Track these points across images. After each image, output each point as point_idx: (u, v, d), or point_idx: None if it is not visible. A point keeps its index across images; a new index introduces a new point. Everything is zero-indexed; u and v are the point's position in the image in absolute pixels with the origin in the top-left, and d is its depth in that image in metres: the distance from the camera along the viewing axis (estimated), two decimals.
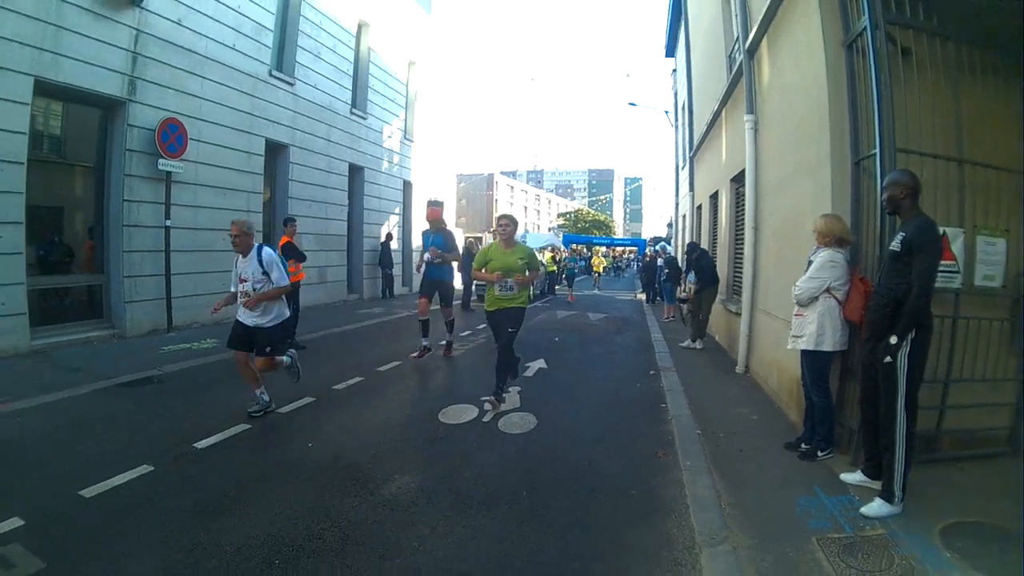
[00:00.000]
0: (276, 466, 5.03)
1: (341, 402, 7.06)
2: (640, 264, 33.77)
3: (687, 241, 15.52)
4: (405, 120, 22.11)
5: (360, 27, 18.48)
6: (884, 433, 4.11)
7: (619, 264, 43.38)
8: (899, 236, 4.05)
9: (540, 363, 9.57)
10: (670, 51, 25.20)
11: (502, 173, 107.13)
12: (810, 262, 5.22)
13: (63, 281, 10.38)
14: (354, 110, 18.26)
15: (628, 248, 64.21)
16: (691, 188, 18.17)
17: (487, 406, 6.65)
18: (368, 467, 5.02)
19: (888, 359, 3.97)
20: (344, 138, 17.73)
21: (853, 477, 4.61)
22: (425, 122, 23.61)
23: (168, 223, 11.16)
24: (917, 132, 4.89)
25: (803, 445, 5.41)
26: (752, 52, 8.52)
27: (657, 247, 25.82)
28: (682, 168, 21.50)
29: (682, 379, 8.43)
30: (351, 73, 18.04)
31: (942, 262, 4.72)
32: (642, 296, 24.30)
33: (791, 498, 4.38)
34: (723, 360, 9.81)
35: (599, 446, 5.80)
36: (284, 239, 10.13)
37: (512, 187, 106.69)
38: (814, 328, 5.09)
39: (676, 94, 24.78)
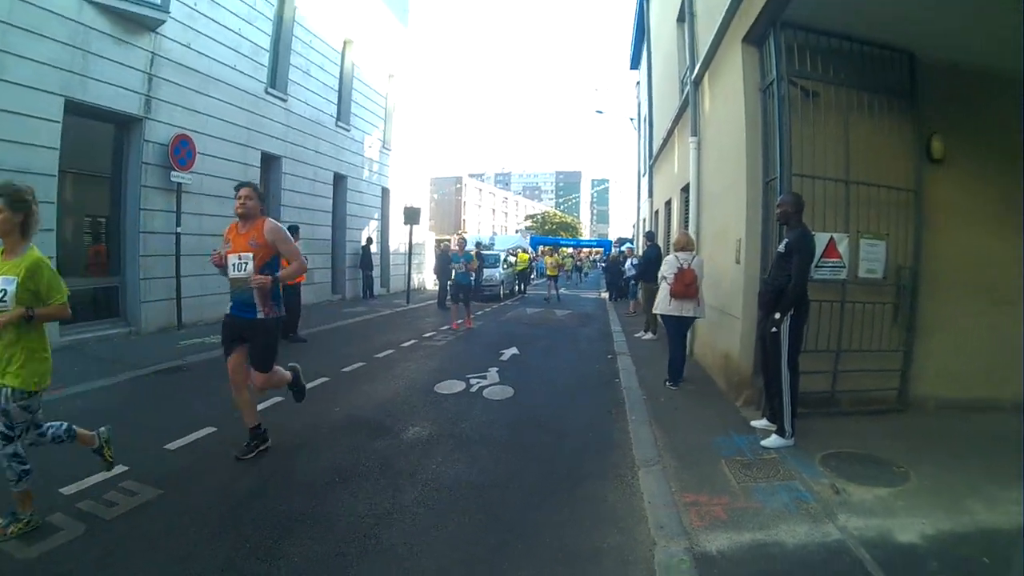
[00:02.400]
0: (316, 423, 6.43)
1: (352, 380, 8.49)
2: (604, 264, 34.84)
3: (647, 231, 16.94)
4: (384, 130, 23.44)
5: (345, 44, 19.75)
6: (772, 383, 5.61)
7: (578, 265, 41.44)
8: (784, 241, 5.54)
9: (513, 350, 11.14)
10: (635, 63, 26.62)
11: (470, 175, 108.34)
12: None
13: (87, 283, 11.24)
14: (339, 122, 19.51)
15: (594, 249, 65.44)
16: (650, 194, 19.61)
17: None
18: (387, 422, 6.51)
19: (774, 330, 5.44)
20: (330, 149, 18.96)
21: (759, 423, 6.08)
22: (401, 131, 24.98)
23: (179, 230, 12.27)
24: (812, 159, 6.39)
25: (669, 383, 8.12)
26: (697, 83, 9.98)
27: (623, 248, 27.41)
28: (643, 175, 22.91)
29: (635, 361, 9.94)
30: (336, 88, 19.30)
31: (830, 260, 6.33)
32: (605, 295, 25.83)
33: (710, 438, 5.85)
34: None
35: (564, 408, 7.34)
36: None
37: (480, 189, 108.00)
38: (659, 299, 8.24)
39: (639, 104, 26.23)
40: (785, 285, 5.38)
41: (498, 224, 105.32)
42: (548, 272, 25.69)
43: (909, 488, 4.58)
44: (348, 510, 4.33)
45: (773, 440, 5.54)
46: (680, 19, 11.90)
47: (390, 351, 10.41)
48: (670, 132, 13.85)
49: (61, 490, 4.46)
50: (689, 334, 10.09)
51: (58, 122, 9.73)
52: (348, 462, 5.30)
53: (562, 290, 26.84)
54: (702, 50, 9.35)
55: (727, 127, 8.03)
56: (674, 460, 5.28)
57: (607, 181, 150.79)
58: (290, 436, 5.96)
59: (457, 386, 8.20)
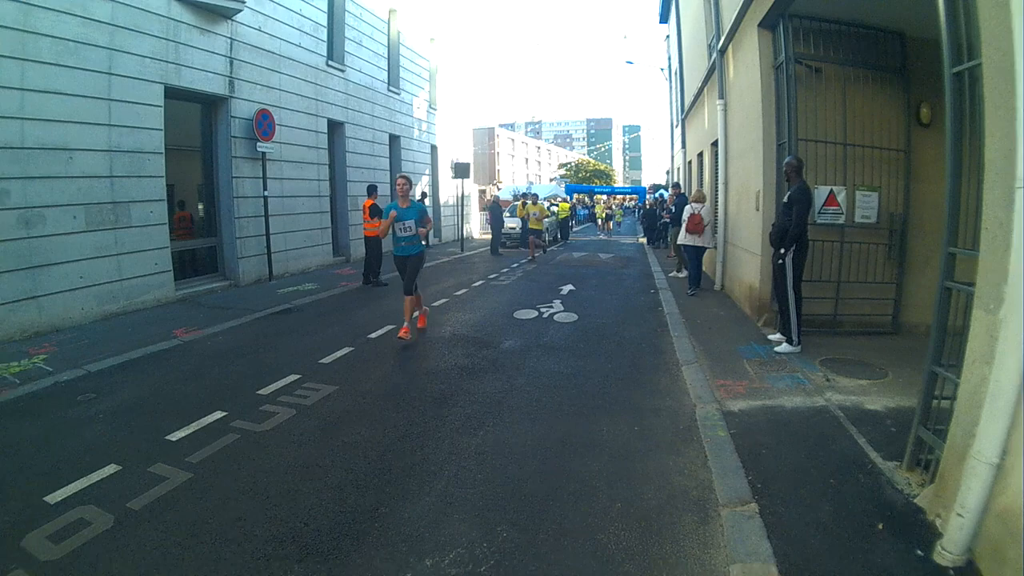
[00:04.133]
0: (432, 340, 8.38)
1: (444, 311, 10.44)
2: (642, 210, 35.90)
3: (673, 182, 18.84)
4: (429, 91, 25.03)
5: (390, 13, 21.26)
6: (782, 304, 7.30)
7: (609, 214, 37.75)
8: (787, 194, 7.14)
9: (570, 287, 13.13)
10: (664, 18, 27.70)
11: (501, 125, 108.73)
12: None
13: (192, 244, 13.13)
14: (390, 87, 21.13)
15: (629, 196, 66.55)
16: (683, 145, 21.08)
17: None
18: (486, 338, 8.44)
19: (780, 262, 7.10)
20: (384, 112, 20.65)
21: (774, 336, 7.77)
22: (444, 91, 26.55)
23: (266, 193, 14.05)
24: (815, 126, 7.93)
25: (689, 291, 11.53)
26: (723, 52, 11.41)
27: (656, 195, 28.79)
28: (676, 127, 24.27)
29: (674, 294, 11.73)
30: (386, 55, 20.83)
31: (830, 208, 7.91)
32: (643, 240, 27.42)
33: (736, 346, 7.60)
34: (706, 282, 13.01)
35: (620, 328, 9.18)
36: (369, 202, 13.26)
37: (513, 140, 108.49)
38: (680, 235, 11.91)
39: (670, 59, 27.38)
40: (788, 228, 7.02)
41: (532, 173, 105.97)
42: (531, 225, 20.36)
43: (885, 382, 6.22)
44: (479, 390, 6.21)
45: (784, 347, 7.26)
46: None
47: (464, 290, 12.33)
48: (700, 91, 15.31)
49: (259, 391, 6.22)
50: (720, 270, 11.84)
51: (160, 106, 11.18)
52: (468, 363, 7.22)
53: (595, 235, 28.30)
54: (726, 24, 10.75)
55: (747, 95, 9.56)
56: (708, 360, 7.05)
57: (639, 128, 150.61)
58: (417, 349, 7.93)
59: (531, 313, 10.15)
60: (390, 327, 9.00)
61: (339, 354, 7.63)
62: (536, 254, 19.98)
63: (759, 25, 8.52)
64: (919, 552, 3.26)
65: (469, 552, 3.39)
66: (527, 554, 3.39)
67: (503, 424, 5.31)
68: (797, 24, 7.94)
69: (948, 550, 3.15)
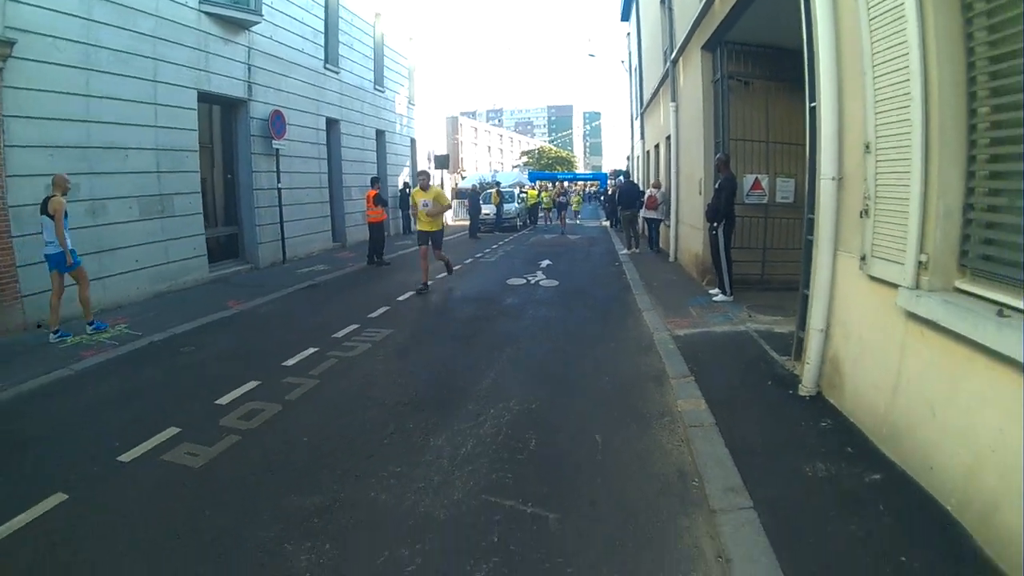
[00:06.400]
0: (444, 302, 10.62)
1: (447, 281, 12.60)
2: (604, 196, 38.13)
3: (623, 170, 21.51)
4: (408, 88, 27.00)
5: (376, 16, 23.10)
6: (715, 265, 9.63)
7: (561, 201, 31.97)
8: (718, 182, 9.42)
9: (547, 261, 15.59)
10: (625, 16, 29.69)
11: (463, 114, 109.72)
12: None
13: (219, 231, 14.72)
14: (376, 86, 23.06)
15: (590, 182, 68.69)
16: (642, 136, 23.43)
17: None
18: (490, 297, 10.73)
19: (713, 232, 9.41)
20: (371, 110, 22.57)
21: (713, 291, 10.05)
22: (421, 87, 28.58)
23: (280, 186, 15.91)
24: (744, 127, 10.23)
25: (649, 250, 13.70)
26: (675, 62, 13.67)
27: (617, 180, 31.07)
28: (635, 119, 26.49)
29: (636, 265, 14.08)
30: (372, 56, 22.72)
31: (755, 191, 10.21)
32: (607, 223, 29.79)
33: (685, 299, 9.91)
34: (663, 256, 15.47)
35: (593, 289, 11.57)
36: (372, 192, 15.25)
37: (476, 128, 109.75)
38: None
39: (630, 54, 29.52)
40: (718, 207, 9.31)
41: (495, 161, 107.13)
42: (420, 225, 11.78)
43: (793, 318, 8.38)
44: (497, 329, 8.50)
45: (719, 297, 9.58)
46: (662, 2, 15.45)
47: (458, 266, 14.31)
48: (656, 90, 17.61)
49: (333, 335, 8.22)
50: (673, 245, 14.22)
51: (194, 109, 12.87)
52: (483, 313, 9.50)
53: (568, 221, 30.94)
54: (678, 40, 12.95)
55: (692, 103, 11.87)
56: (662, 308, 9.37)
57: (599, 115, 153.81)
58: (436, 305, 10.23)
59: (520, 281, 12.48)
60: (410, 293, 11.17)
61: (381, 311, 9.71)
62: (427, 282, 11.73)
63: (702, 48, 10.79)
64: (789, 391, 5.57)
65: (522, 399, 5.66)
66: (557, 400, 5.69)
67: (520, 347, 7.59)
68: (731, 48, 10.19)
69: (804, 386, 5.47)
